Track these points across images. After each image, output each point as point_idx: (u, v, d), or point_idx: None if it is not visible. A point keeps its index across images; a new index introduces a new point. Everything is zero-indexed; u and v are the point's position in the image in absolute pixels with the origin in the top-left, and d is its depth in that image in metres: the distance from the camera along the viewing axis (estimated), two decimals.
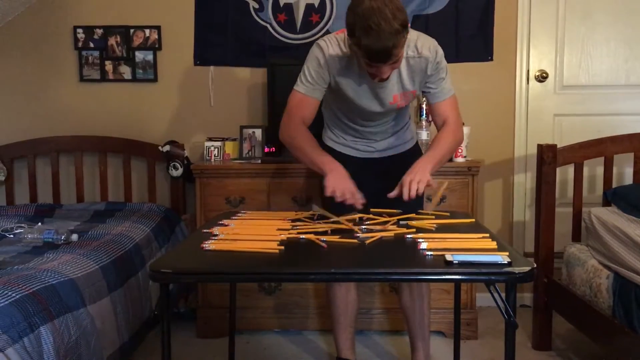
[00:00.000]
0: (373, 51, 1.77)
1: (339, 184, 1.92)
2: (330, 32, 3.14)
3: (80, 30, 3.22)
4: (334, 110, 2.22)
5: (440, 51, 2.03)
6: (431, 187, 1.94)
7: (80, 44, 3.23)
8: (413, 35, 1.98)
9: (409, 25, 1.82)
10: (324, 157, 2.04)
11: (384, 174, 2.18)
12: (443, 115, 2.10)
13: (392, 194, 1.92)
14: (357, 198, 1.92)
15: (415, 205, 2.18)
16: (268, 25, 3.19)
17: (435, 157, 2.03)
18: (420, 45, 1.98)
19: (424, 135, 2.83)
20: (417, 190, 1.88)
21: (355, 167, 2.15)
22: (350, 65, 2.01)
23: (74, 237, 2.45)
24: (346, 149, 2.26)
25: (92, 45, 3.23)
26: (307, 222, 1.92)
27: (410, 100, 2.17)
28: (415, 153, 2.31)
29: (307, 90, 2.05)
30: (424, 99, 2.67)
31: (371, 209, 2.03)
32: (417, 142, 2.40)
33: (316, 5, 3.17)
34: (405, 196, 1.88)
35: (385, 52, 1.77)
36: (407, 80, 2.05)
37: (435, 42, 2.03)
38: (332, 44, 2.02)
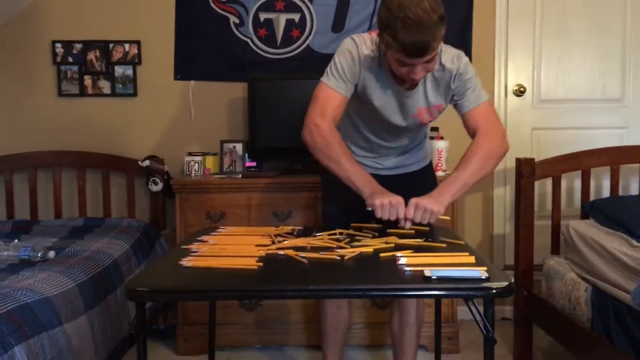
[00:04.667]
0: (411, 44, 1.67)
1: (385, 201, 1.80)
2: (310, 47, 3.21)
3: (59, 45, 3.20)
4: (352, 119, 2.12)
5: (464, 60, 1.94)
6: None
7: (58, 59, 3.21)
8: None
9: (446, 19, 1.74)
10: (362, 176, 1.90)
11: (394, 192, 2.13)
12: (472, 126, 1.96)
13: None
14: (401, 211, 1.80)
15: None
16: (249, 40, 3.19)
17: (459, 182, 1.87)
18: (444, 58, 1.91)
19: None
20: (424, 219, 1.80)
21: None
22: (379, 69, 1.93)
23: (51, 254, 2.41)
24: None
25: (70, 59, 3.21)
26: (287, 237, 1.91)
27: (435, 117, 2.07)
28: (426, 173, 2.25)
29: (337, 85, 1.92)
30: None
31: (352, 224, 2.03)
32: (430, 162, 2.31)
33: (296, 20, 3.18)
34: (410, 216, 1.79)
35: (424, 46, 1.68)
36: (431, 93, 1.96)
37: (460, 53, 1.95)
38: (366, 41, 1.92)
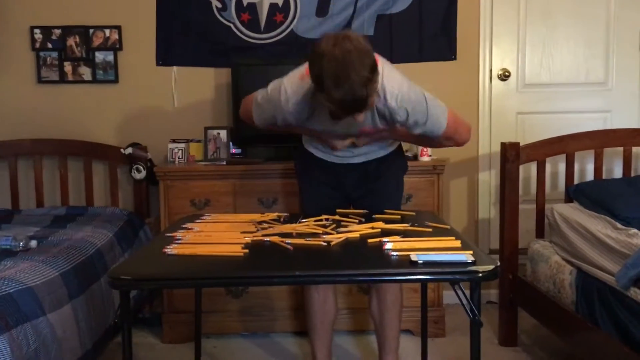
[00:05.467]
0: (347, 104, 1.68)
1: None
2: (294, 32, 3.17)
3: (37, 31, 3.13)
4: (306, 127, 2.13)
5: (407, 98, 1.85)
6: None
7: (37, 45, 3.14)
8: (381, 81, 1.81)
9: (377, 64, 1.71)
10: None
11: (364, 177, 2.15)
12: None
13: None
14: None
15: (396, 204, 2.18)
16: (232, 25, 3.15)
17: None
18: (387, 93, 1.84)
19: None
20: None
21: (334, 171, 2.14)
22: (315, 108, 1.91)
23: (33, 243, 2.38)
24: (325, 155, 2.19)
25: (50, 45, 3.14)
26: (272, 224, 1.90)
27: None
28: (396, 156, 2.25)
29: (258, 116, 2.04)
30: None
31: (337, 210, 2.02)
32: (399, 145, 2.29)
33: (280, 5, 3.14)
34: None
35: (360, 103, 1.68)
36: (378, 118, 1.94)
37: (400, 90, 1.85)
38: (296, 93, 1.88)
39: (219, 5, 3.13)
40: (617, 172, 3.12)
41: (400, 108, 1.86)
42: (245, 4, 3.13)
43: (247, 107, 2.09)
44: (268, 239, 1.70)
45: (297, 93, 1.88)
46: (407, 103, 1.86)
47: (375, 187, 2.15)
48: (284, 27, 3.16)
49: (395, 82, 1.87)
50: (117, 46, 3.16)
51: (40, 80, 3.17)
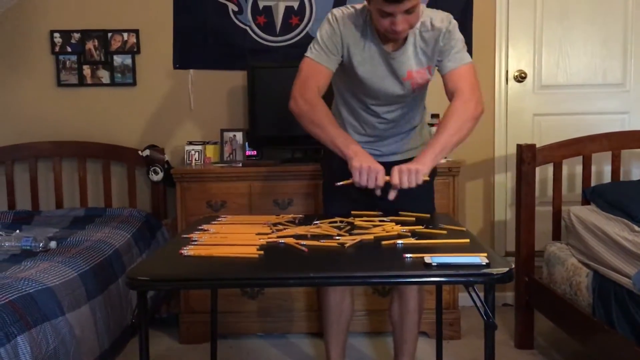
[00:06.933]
0: None
1: (365, 164, 1.78)
2: (310, 35, 3.19)
3: (57, 35, 3.19)
4: (345, 98, 2.12)
5: (454, 22, 1.97)
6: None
7: (57, 49, 3.19)
8: (428, 13, 1.95)
9: None
10: (345, 139, 1.90)
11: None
12: (452, 87, 1.95)
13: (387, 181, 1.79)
14: (380, 177, 1.78)
15: (426, 206, 2.14)
16: (247, 28, 3.18)
17: (438, 146, 1.86)
18: (435, 20, 1.94)
19: None
20: (410, 182, 1.77)
21: None
22: (364, 37, 1.96)
23: (53, 244, 2.42)
24: None
25: (69, 49, 3.19)
26: (287, 225, 1.91)
27: (426, 79, 2.06)
28: None
29: (320, 58, 1.97)
30: None
31: (352, 212, 2.02)
32: None
33: (296, 7, 3.16)
34: (396, 181, 1.76)
35: None
36: (421, 54, 1.98)
37: (449, 15, 1.98)
38: (347, 11, 1.99)
39: (235, 9, 3.16)
40: (635, 174, 3.10)
41: (445, 24, 1.94)
42: (261, 7, 3.16)
43: (304, 76, 1.98)
44: (283, 241, 1.71)
45: (348, 8, 1.99)
46: (451, 23, 1.96)
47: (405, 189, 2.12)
48: (299, 29, 3.17)
49: (443, 13, 1.98)
50: (135, 50, 3.20)
51: (59, 83, 3.22)
